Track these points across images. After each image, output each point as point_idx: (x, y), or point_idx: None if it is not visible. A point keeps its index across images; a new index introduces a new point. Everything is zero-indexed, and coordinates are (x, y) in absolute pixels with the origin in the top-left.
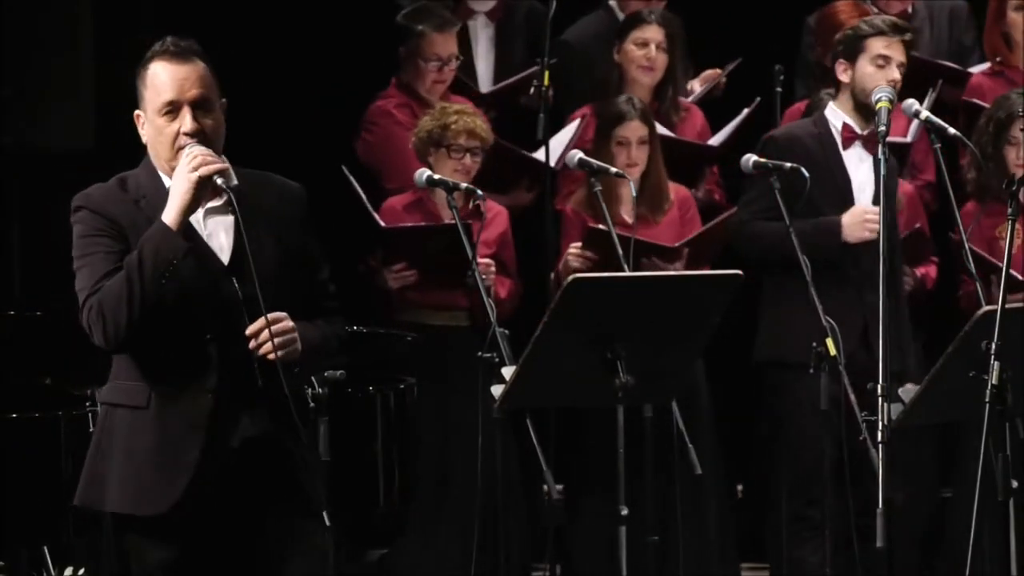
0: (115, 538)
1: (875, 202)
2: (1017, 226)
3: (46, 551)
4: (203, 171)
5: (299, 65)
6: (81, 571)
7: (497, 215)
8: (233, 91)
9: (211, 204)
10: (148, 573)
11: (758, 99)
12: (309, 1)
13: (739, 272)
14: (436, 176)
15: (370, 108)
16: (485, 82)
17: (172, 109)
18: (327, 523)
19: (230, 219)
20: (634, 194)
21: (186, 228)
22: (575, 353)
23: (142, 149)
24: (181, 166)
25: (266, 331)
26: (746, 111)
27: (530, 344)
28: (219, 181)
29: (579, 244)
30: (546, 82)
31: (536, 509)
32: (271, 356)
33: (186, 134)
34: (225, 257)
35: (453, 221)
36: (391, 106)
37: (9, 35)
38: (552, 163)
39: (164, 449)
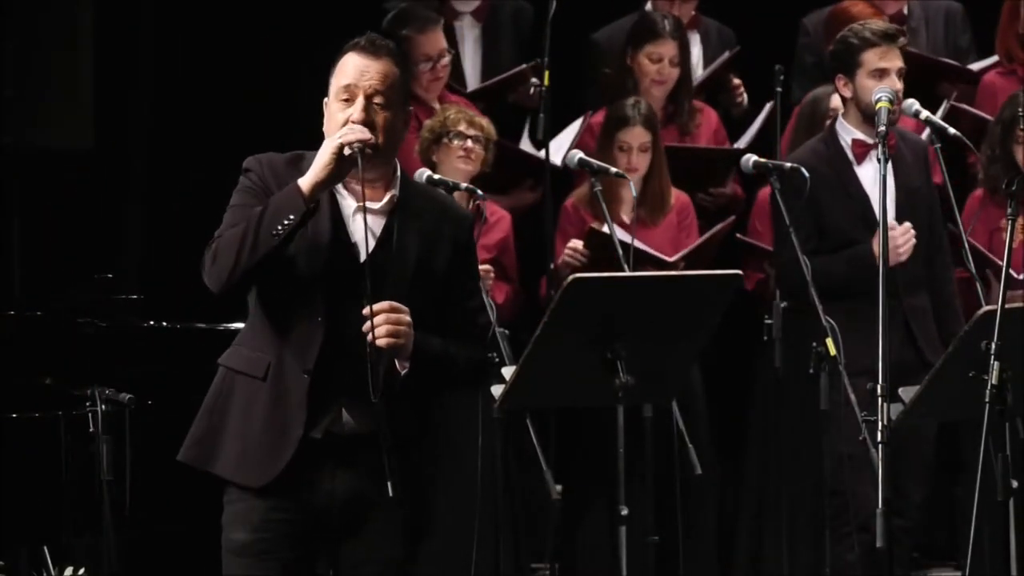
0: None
1: (898, 215)
2: (1017, 224)
3: (46, 551)
4: (346, 138)
5: (299, 68)
6: (81, 571)
7: (499, 220)
8: (232, 92)
9: (371, 204)
10: (230, 549)
11: (771, 103)
12: (310, 3)
13: (739, 272)
14: (436, 176)
15: None
16: (473, 82)
17: (348, 96)
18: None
19: (382, 222)
20: (634, 194)
21: (331, 210)
22: (575, 353)
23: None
24: (330, 138)
25: (381, 316)
26: (764, 113)
27: (530, 344)
28: (354, 146)
29: (578, 241)
30: (546, 82)
31: (536, 509)
32: (373, 338)
33: (353, 122)
34: (363, 252)
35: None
36: None
37: (9, 35)
38: (557, 162)
39: (274, 423)
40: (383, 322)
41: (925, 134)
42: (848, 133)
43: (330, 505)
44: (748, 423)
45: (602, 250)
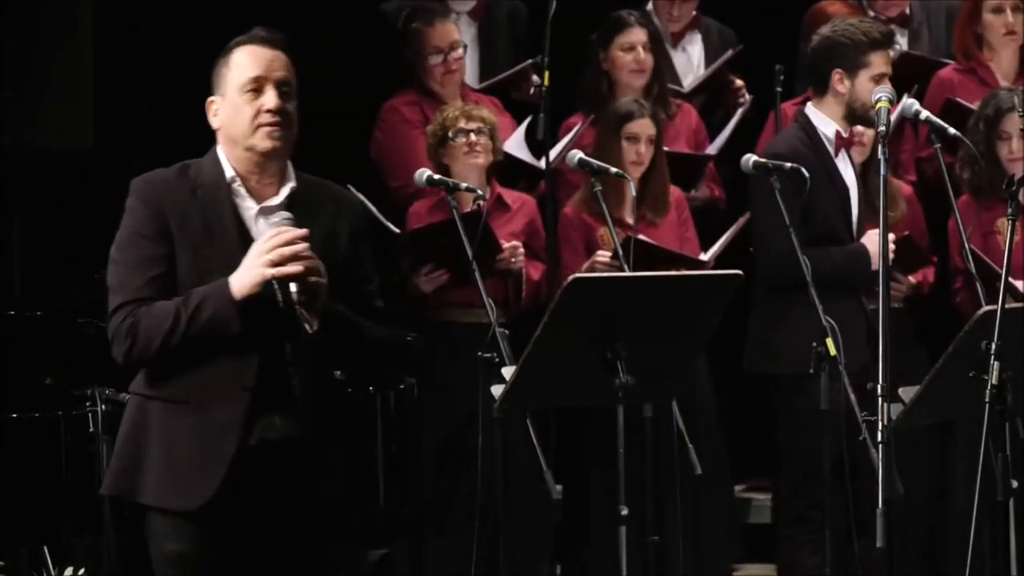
0: (136, 521)
1: (860, 210)
2: (1016, 225)
3: (46, 551)
4: (276, 271)
5: (308, 65)
6: (81, 571)
7: (523, 205)
8: None
9: (266, 203)
10: (165, 561)
11: (751, 97)
12: (309, 3)
13: (739, 272)
14: (436, 176)
15: (383, 107)
16: (471, 80)
17: (256, 87)
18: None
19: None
20: (634, 194)
21: (234, 219)
22: (575, 353)
23: (137, 152)
24: (260, 247)
25: (303, 245)
26: (737, 116)
27: (530, 344)
28: (292, 290)
29: (607, 254)
30: (546, 82)
31: (536, 509)
32: (294, 269)
33: (269, 110)
34: None
35: (469, 210)
36: (400, 104)
37: (9, 35)
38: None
39: (202, 445)
40: (293, 252)
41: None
42: (827, 125)
43: (268, 513)
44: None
45: (643, 257)
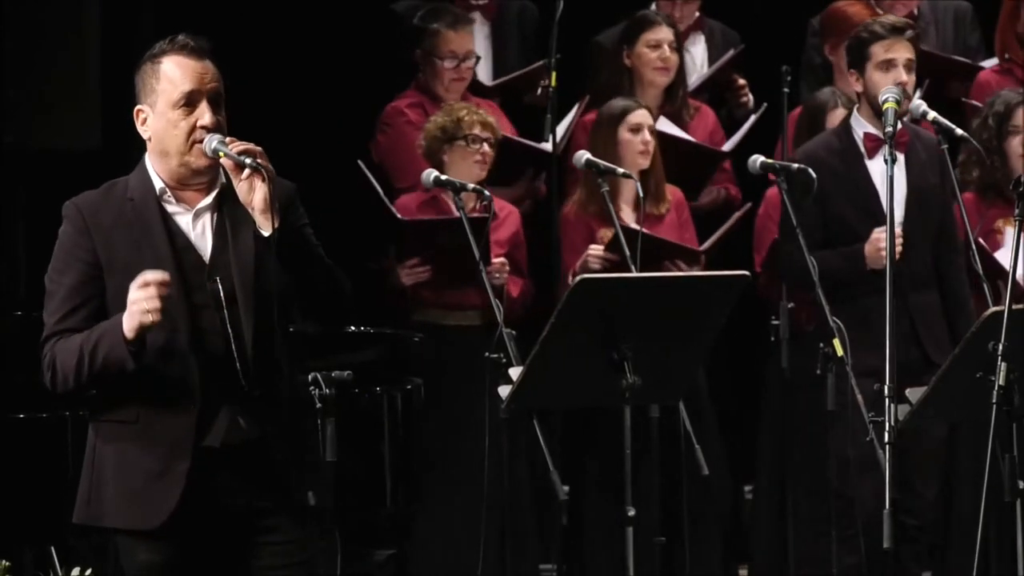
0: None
1: (907, 214)
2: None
3: (53, 551)
4: (148, 319)
5: (309, 65)
6: (88, 572)
7: (509, 215)
8: (243, 90)
9: (200, 204)
10: (136, 573)
11: (765, 104)
12: (317, 2)
13: (746, 272)
14: (443, 176)
15: (385, 108)
16: (483, 78)
17: (189, 102)
18: (324, 523)
19: (212, 217)
20: (641, 194)
21: (169, 237)
22: (582, 354)
23: (144, 151)
24: (138, 297)
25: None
26: (753, 117)
27: (537, 345)
28: (247, 162)
29: (600, 246)
30: (552, 82)
31: (543, 509)
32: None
33: (203, 127)
34: (206, 257)
35: (473, 216)
36: (404, 105)
37: (16, 35)
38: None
39: (156, 462)
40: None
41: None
42: (860, 127)
43: (233, 518)
44: (757, 424)
45: (632, 249)
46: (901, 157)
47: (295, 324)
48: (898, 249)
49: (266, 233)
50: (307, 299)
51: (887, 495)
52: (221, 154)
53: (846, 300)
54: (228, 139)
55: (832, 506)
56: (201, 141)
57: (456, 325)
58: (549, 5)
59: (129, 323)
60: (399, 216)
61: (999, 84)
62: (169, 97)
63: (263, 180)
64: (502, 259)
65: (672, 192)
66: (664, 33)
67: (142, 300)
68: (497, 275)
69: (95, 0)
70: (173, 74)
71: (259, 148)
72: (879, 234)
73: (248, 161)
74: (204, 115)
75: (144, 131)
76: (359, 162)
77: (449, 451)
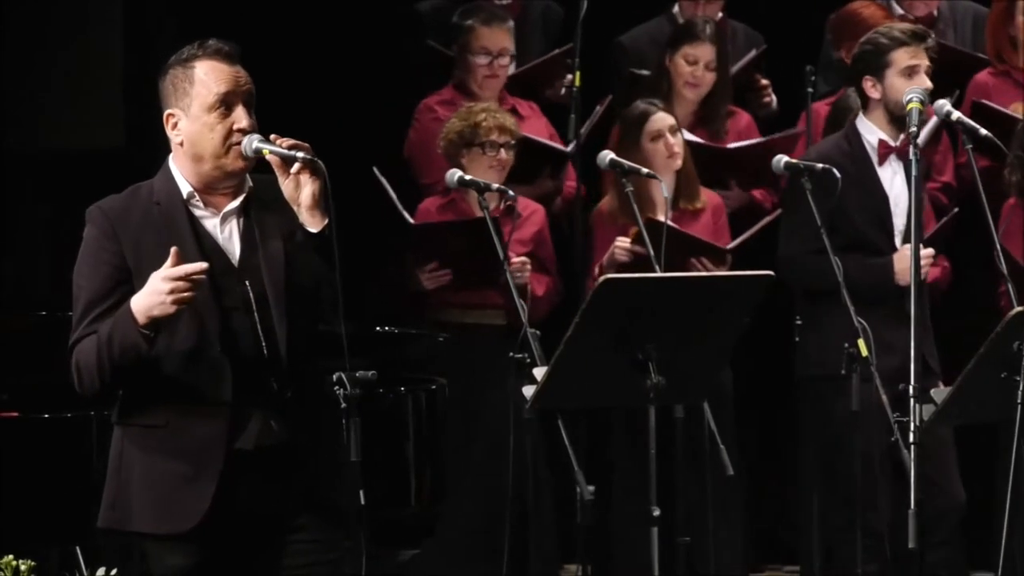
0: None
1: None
2: None
3: (78, 551)
4: (172, 310)
5: (331, 66)
6: (113, 572)
7: (533, 214)
8: (260, 90)
9: (227, 208)
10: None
11: (776, 98)
12: (337, 3)
13: (770, 272)
14: (467, 177)
15: (418, 106)
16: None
17: (225, 105)
18: (355, 521)
19: (240, 222)
20: (666, 195)
21: (197, 241)
22: (606, 354)
23: (167, 151)
24: (156, 283)
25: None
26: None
27: (561, 345)
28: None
29: (627, 240)
30: (577, 82)
31: (567, 509)
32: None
33: (240, 130)
34: (235, 260)
35: (481, 216)
36: (435, 102)
37: (38, 35)
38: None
39: (186, 466)
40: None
41: (924, 134)
42: (872, 133)
43: (262, 521)
44: (780, 425)
45: (655, 242)
46: (901, 166)
47: (325, 324)
48: (927, 271)
49: (314, 230)
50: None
51: (911, 495)
52: (266, 151)
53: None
54: (273, 136)
55: (856, 508)
56: (238, 144)
57: (478, 324)
58: (574, 5)
59: (148, 309)
60: (409, 220)
61: (996, 87)
62: (204, 101)
63: (312, 175)
64: (523, 258)
65: (709, 196)
66: (703, 51)
67: (176, 291)
68: (518, 274)
69: (117, 0)
70: (208, 78)
71: (307, 144)
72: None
73: (300, 156)
74: (241, 118)
75: (176, 135)
76: (374, 169)
77: (473, 451)
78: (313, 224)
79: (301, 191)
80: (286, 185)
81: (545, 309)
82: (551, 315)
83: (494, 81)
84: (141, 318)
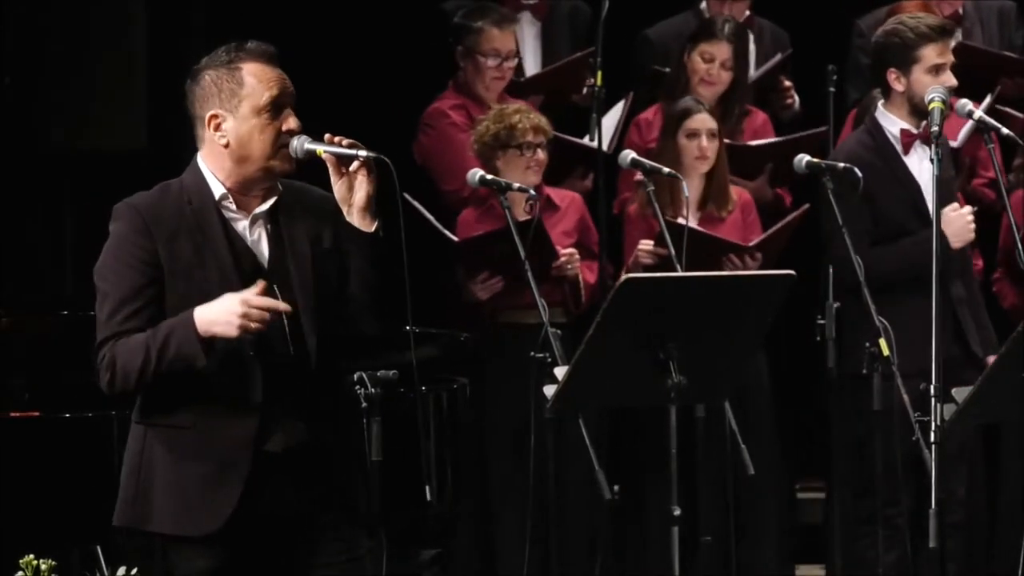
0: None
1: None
2: None
3: (99, 551)
4: (235, 334)
5: (352, 68)
6: (134, 571)
7: (571, 203)
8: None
9: (257, 210)
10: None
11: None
12: (361, 4)
13: (792, 272)
14: (488, 176)
15: (426, 110)
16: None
17: (275, 107)
18: (376, 522)
19: (266, 225)
20: (686, 194)
21: (229, 243)
22: (627, 353)
23: (192, 151)
24: (233, 304)
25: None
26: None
27: (582, 344)
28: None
29: (649, 241)
30: (599, 82)
31: (590, 509)
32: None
33: (290, 131)
34: (265, 263)
35: (525, 219)
36: (446, 107)
37: (62, 36)
38: (604, 146)
39: (212, 467)
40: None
41: (962, 134)
42: (894, 124)
43: (287, 522)
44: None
45: (677, 244)
46: (928, 151)
47: (352, 326)
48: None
49: (367, 231)
50: (389, 298)
51: (933, 494)
52: (320, 151)
53: (886, 303)
54: (327, 135)
55: (878, 507)
56: (286, 146)
57: (523, 323)
58: (600, 4)
59: (212, 324)
60: (453, 239)
61: None
62: (255, 102)
63: (369, 174)
64: (570, 249)
65: (739, 193)
66: (720, 49)
67: (250, 318)
68: (569, 266)
69: (141, 1)
70: (258, 80)
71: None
72: (957, 212)
73: (362, 153)
74: (291, 120)
75: (220, 136)
76: (407, 196)
77: (495, 450)
78: (364, 225)
79: (355, 192)
80: (339, 186)
81: (600, 294)
82: (579, 316)
83: (500, 83)
84: (203, 331)
